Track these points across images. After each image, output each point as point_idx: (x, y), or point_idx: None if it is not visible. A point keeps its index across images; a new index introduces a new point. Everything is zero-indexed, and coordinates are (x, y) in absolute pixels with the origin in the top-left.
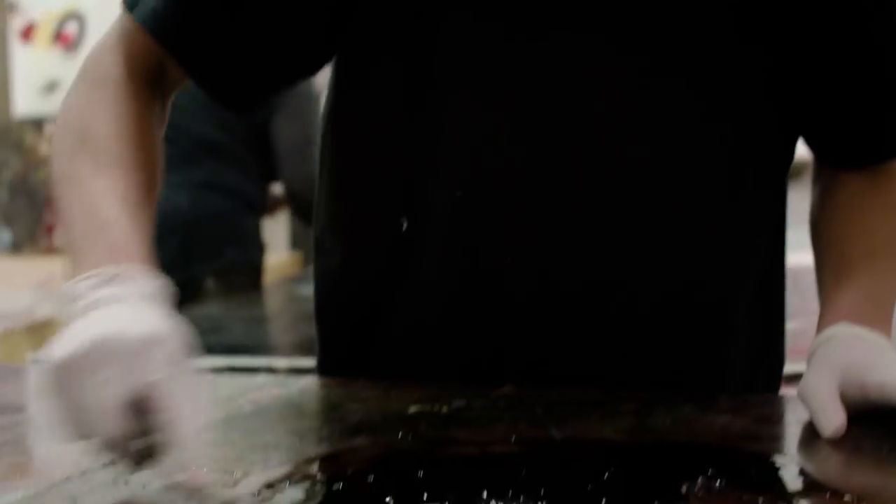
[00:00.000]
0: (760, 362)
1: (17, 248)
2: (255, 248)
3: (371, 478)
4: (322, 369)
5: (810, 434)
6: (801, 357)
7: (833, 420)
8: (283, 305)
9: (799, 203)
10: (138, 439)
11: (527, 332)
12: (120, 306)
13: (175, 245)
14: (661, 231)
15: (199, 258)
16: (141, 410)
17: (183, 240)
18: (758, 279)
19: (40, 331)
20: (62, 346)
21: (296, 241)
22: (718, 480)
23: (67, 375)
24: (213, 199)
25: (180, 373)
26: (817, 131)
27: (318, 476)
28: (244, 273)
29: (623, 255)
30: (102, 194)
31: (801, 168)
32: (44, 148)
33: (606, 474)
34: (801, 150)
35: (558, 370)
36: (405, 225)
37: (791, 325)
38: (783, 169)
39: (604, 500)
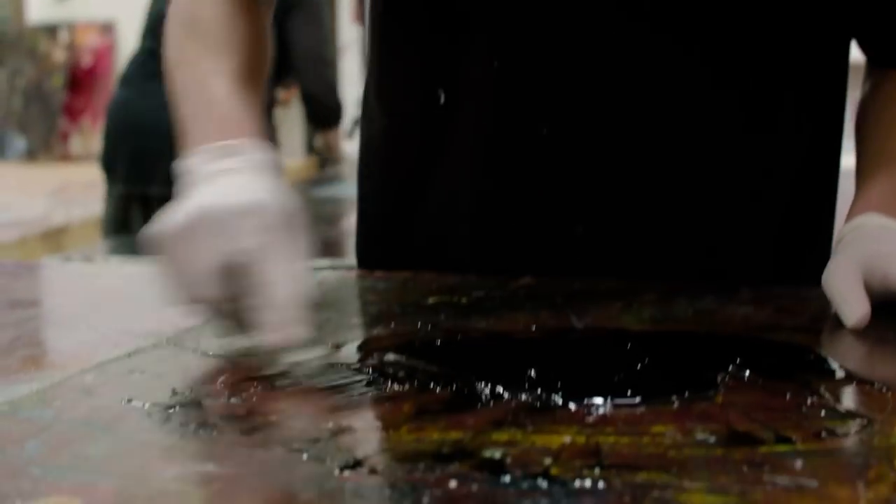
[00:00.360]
0: (804, 259)
1: (31, 155)
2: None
3: (391, 365)
4: (360, 251)
5: (834, 324)
6: None
7: (857, 310)
8: None
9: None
10: (233, 304)
11: (560, 207)
12: (228, 178)
13: None
14: (699, 105)
15: None
16: (236, 276)
17: None
18: (805, 172)
19: (55, 237)
20: (169, 217)
21: (311, 147)
22: (747, 371)
23: (171, 244)
24: None
25: (274, 241)
26: (869, 31)
27: (337, 365)
28: None
29: (661, 127)
30: (211, 74)
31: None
32: (57, 54)
33: (639, 365)
34: (853, 53)
35: (588, 252)
36: (443, 97)
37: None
38: (833, 68)
39: (632, 391)
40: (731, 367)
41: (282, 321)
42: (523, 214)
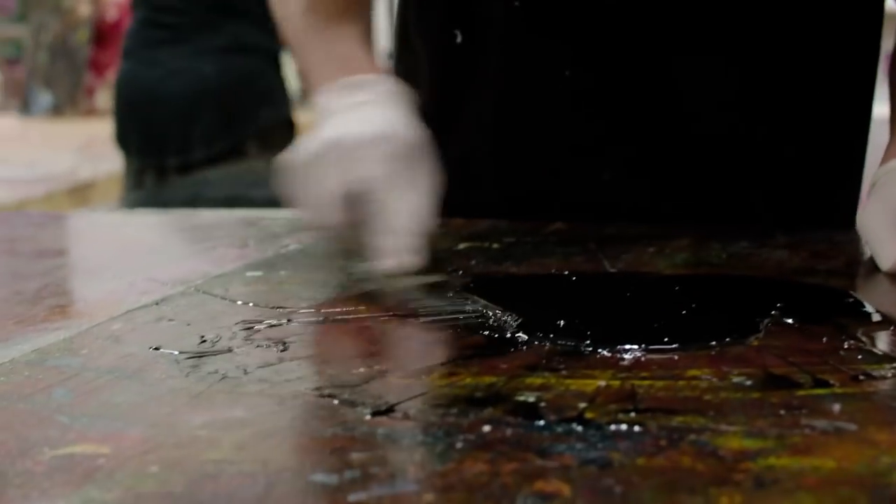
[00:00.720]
0: (834, 204)
1: (57, 110)
2: (287, 105)
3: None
4: None
5: (869, 268)
6: None
7: (892, 253)
8: None
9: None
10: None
11: (587, 151)
12: (359, 110)
13: (212, 115)
14: (727, 49)
15: (237, 124)
16: (359, 203)
17: (218, 108)
18: (836, 116)
19: (82, 192)
20: (302, 147)
21: None
22: (786, 315)
23: (301, 172)
24: (240, 62)
25: (397, 170)
26: None
27: (370, 309)
28: (282, 132)
29: (686, 70)
30: (326, 19)
31: None
32: (82, 9)
33: (679, 310)
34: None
35: (616, 197)
36: (459, 36)
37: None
38: (867, 16)
39: (670, 337)
40: (773, 312)
41: (396, 247)
42: (548, 159)
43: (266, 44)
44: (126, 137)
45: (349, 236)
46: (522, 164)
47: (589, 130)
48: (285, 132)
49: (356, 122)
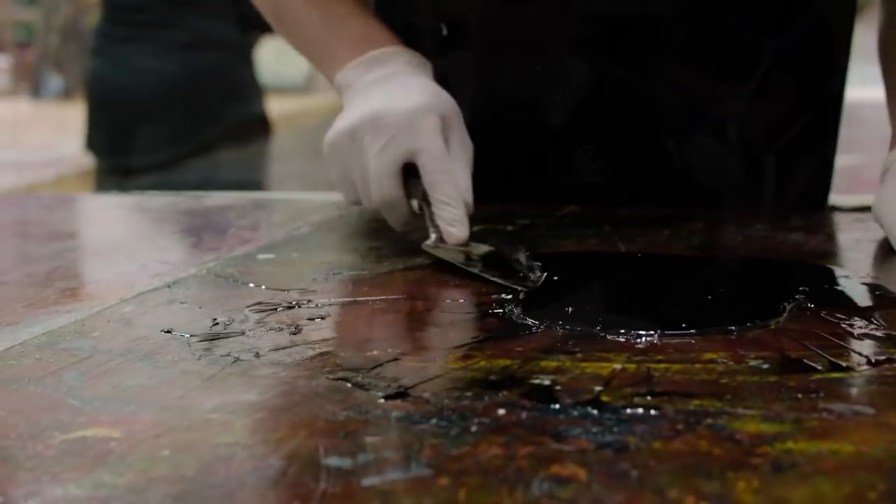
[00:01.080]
0: (807, 185)
1: (68, 93)
2: (257, 98)
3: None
4: None
5: (885, 251)
6: (865, 190)
7: None
8: None
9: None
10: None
11: (561, 142)
12: (383, 85)
13: (177, 114)
14: (697, 38)
15: (204, 122)
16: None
17: (184, 107)
18: (810, 99)
19: (92, 176)
20: (341, 122)
21: None
22: (809, 299)
23: (345, 148)
24: (205, 58)
25: (447, 140)
26: None
27: (381, 292)
28: (253, 127)
29: (654, 69)
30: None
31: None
32: None
33: (699, 293)
34: None
35: (600, 187)
36: (445, 29)
37: (851, 160)
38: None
39: (692, 321)
40: (798, 296)
41: (455, 218)
42: (529, 154)
43: (232, 37)
44: (95, 139)
45: (392, 211)
46: (506, 156)
47: (565, 125)
48: (257, 127)
49: (392, 96)
